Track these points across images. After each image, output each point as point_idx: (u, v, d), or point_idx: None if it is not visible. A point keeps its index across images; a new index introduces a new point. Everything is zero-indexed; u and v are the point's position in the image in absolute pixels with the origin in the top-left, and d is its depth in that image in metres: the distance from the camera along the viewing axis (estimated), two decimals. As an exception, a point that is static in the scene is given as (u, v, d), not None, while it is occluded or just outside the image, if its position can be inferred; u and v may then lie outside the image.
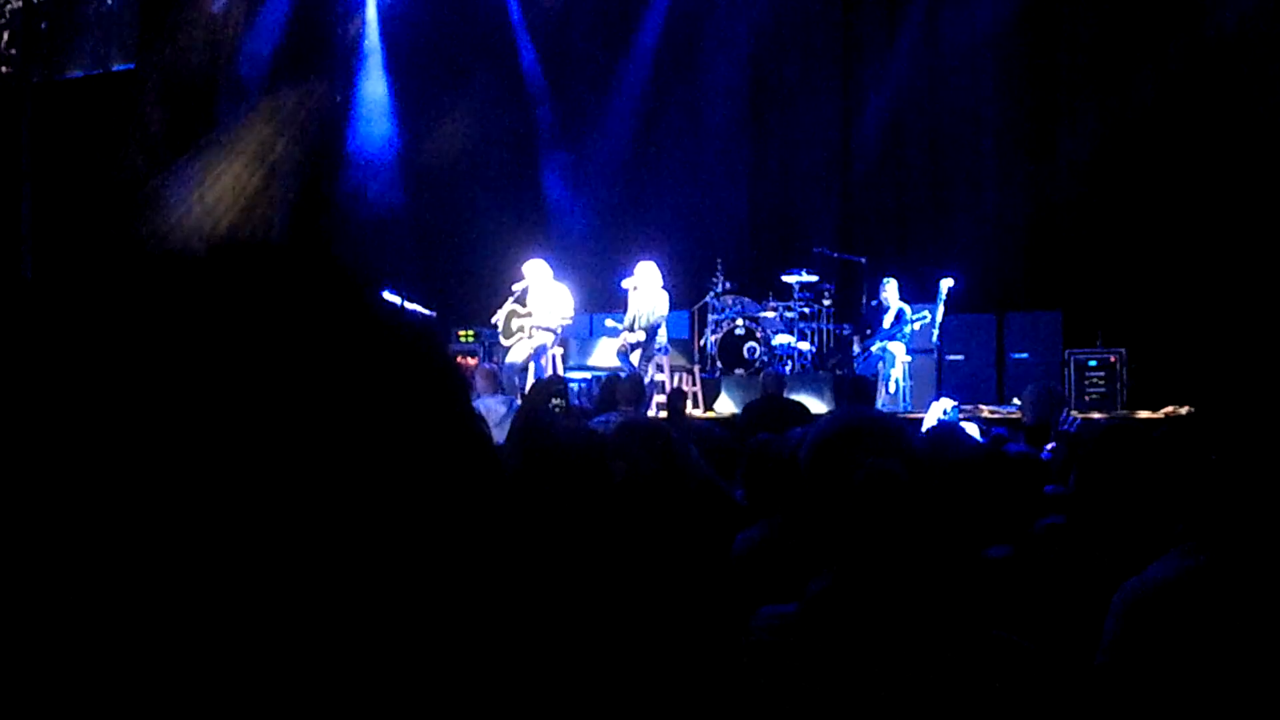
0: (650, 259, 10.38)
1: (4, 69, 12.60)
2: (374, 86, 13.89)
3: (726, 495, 3.77)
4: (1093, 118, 11.28)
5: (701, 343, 11.49)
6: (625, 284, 10.40)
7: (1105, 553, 2.30)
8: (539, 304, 10.13)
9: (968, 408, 8.36)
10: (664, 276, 10.39)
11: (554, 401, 5.64)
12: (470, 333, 11.95)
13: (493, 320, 10.41)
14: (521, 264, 10.47)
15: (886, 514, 1.40)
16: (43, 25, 12.64)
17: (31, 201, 12.06)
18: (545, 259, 10.46)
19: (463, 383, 0.49)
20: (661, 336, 10.31)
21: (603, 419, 5.96)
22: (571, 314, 10.33)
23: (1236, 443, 1.86)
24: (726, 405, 10.30)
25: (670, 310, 10.49)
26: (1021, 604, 2.32)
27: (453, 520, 0.46)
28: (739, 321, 11.03)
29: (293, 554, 0.42)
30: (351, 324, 0.47)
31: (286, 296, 0.47)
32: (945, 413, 7.16)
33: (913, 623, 1.40)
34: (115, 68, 13.01)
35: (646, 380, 10.06)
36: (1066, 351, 9.97)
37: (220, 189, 12.21)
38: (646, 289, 10.22)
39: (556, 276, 10.35)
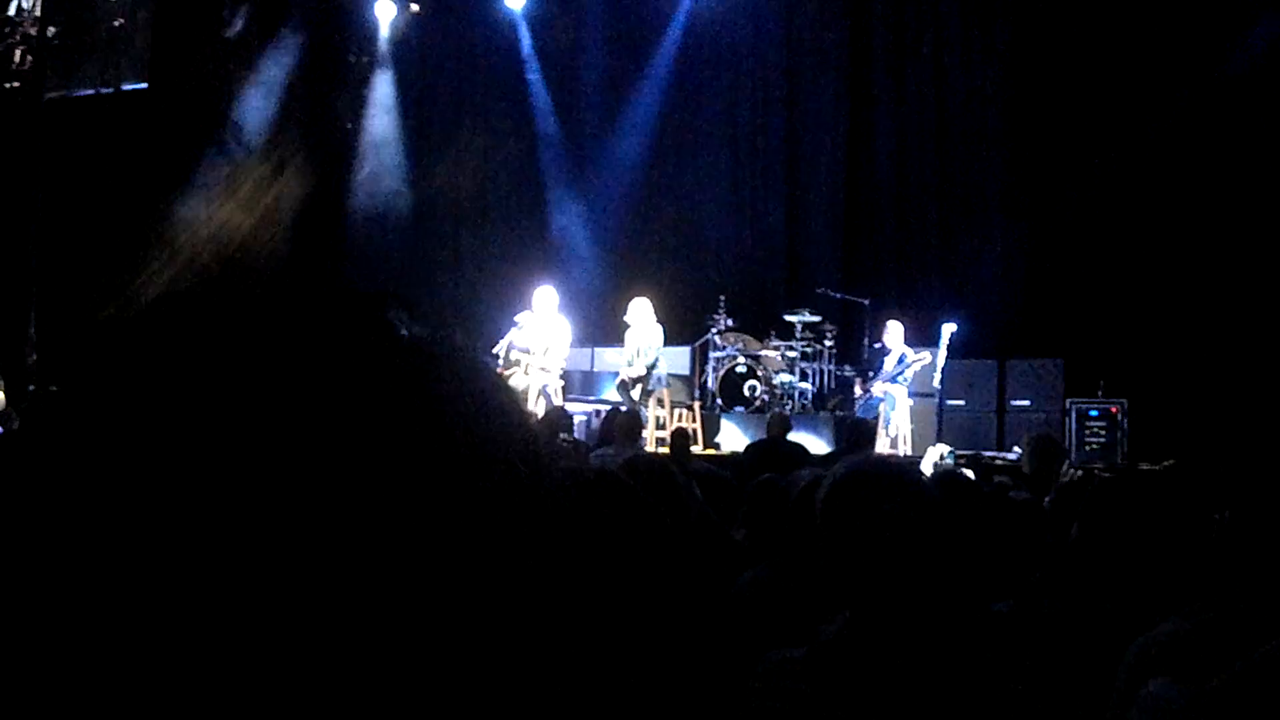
0: (647, 295, 10.39)
1: (16, 84, 12.67)
2: (384, 115, 13.98)
3: (726, 536, 3.76)
4: (1099, 166, 11.31)
5: (702, 379, 11.48)
6: (626, 319, 10.43)
7: (1106, 605, 2.30)
8: (538, 342, 10.07)
9: (968, 453, 8.34)
10: (667, 312, 10.41)
11: (561, 436, 5.63)
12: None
13: (494, 350, 10.41)
14: (525, 295, 10.48)
15: (905, 559, 1.40)
16: (55, 42, 12.71)
17: (41, 218, 12.09)
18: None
19: (528, 423, 0.50)
20: (661, 368, 10.29)
21: (599, 454, 5.94)
22: (566, 356, 10.31)
23: (1245, 499, 1.85)
24: (728, 443, 10.30)
25: (672, 346, 10.49)
26: (1025, 656, 2.31)
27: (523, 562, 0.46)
28: (740, 359, 11.04)
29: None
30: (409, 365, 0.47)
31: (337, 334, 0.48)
32: (941, 458, 7.15)
33: (926, 670, 1.39)
34: (127, 86, 13.08)
35: (645, 415, 10.07)
36: (1068, 400, 9.94)
37: (228, 212, 12.25)
38: (641, 325, 10.24)
39: (560, 309, 10.36)
